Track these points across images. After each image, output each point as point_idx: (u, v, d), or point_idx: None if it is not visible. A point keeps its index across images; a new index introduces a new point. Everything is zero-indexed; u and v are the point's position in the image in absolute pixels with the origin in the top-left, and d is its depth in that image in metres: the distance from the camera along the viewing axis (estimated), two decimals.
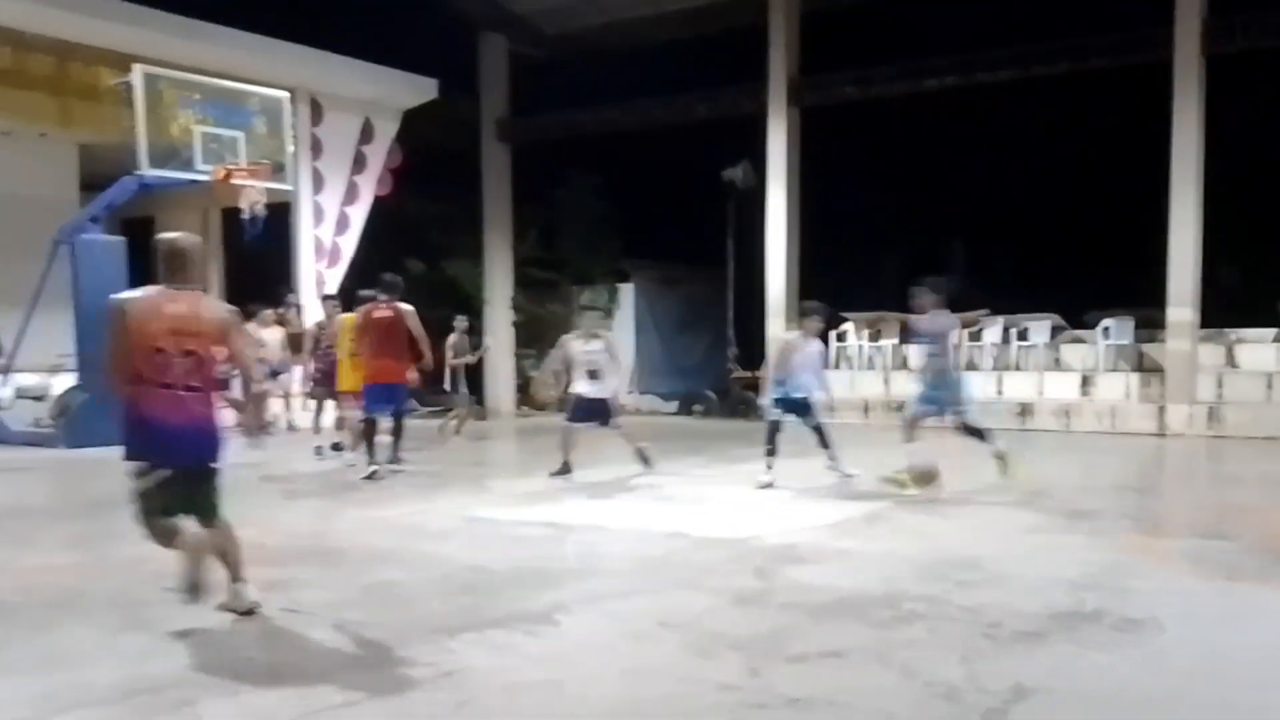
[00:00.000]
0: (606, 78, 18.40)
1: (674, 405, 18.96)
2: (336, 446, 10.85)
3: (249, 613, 4.72)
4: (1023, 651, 4.20)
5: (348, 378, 10.27)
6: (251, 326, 13.48)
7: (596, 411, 9.43)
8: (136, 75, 11.85)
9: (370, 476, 9.20)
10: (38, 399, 12.96)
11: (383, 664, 4.10)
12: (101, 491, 8.79)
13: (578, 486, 9.02)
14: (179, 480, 4.56)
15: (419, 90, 16.68)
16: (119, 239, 12.72)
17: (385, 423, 9.79)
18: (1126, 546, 6.26)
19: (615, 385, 9.67)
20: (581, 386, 9.42)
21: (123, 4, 13.10)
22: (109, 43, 13.23)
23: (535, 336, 18.92)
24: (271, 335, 12.36)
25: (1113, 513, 7.68)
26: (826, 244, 17.47)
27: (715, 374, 18.75)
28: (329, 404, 11.37)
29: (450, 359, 12.67)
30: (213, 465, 4.68)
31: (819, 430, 9.22)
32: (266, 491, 8.92)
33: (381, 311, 9.53)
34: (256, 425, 5.34)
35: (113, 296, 4.62)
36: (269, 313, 12.34)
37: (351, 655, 4.24)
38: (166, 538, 4.63)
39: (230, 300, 13.30)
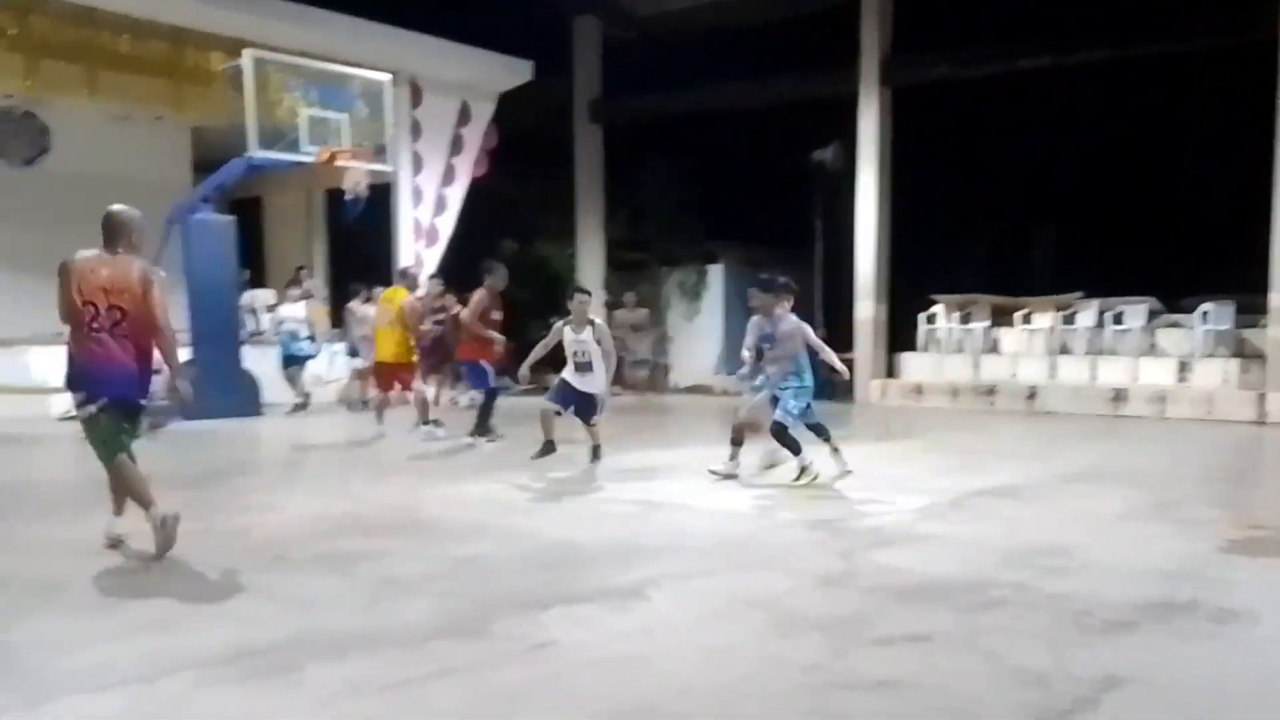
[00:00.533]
0: (697, 59, 18.42)
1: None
2: (436, 422, 11.07)
3: (113, 546, 5.40)
4: (1114, 641, 4.14)
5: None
6: (354, 304, 14.02)
7: (582, 404, 8.81)
8: (246, 60, 12.25)
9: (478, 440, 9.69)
10: (154, 373, 13.48)
11: (475, 635, 4.20)
12: (210, 462, 9.27)
13: (662, 465, 9.13)
14: (108, 410, 5.40)
15: (514, 73, 16.88)
16: (229, 218, 13.23)
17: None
18: (1221, 537, 6.11)
19: (604, 381, 8.86)
20: (568, 374, 8.80)
21: None
22: (221, 28, 13.63)
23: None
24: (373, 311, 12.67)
25: (1208, 502, 7.52)
26: (916, 225, 17.31)
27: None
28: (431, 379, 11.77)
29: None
30: (132, 400, 5.51)
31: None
32: (363, 465, 9.31)
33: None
34: (176, 386, 5.69)
35: (63, 258, 5.38)
36: (377, 290, 12.67)
37: (445, 626, 4.32)
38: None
39: (333, 277, 13.83)
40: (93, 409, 5.40)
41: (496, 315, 10.32)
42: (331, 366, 14.60)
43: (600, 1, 19.25)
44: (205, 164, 14.77)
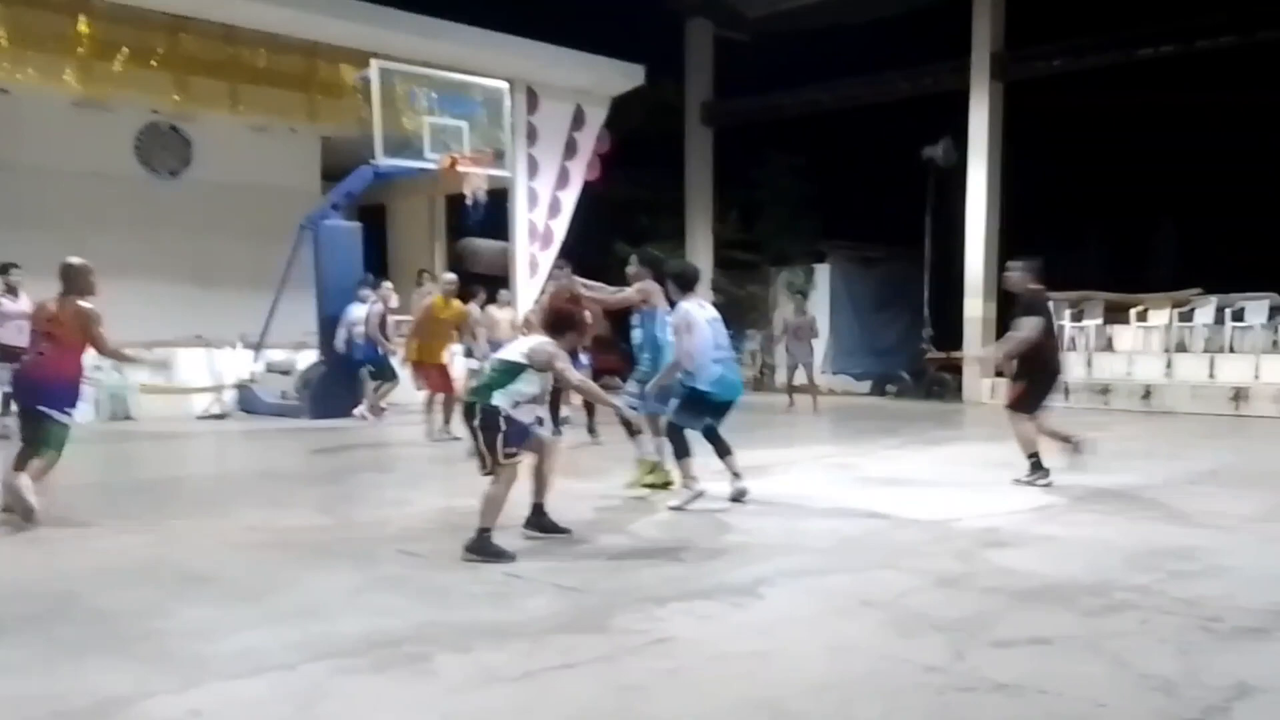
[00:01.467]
0: (807, 58, 18.46)
1: (867, 385, 18.93)
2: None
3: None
4: (1246, 647, 3.99)
5: None
6: (472, 306, 14.40)
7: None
8: (373, 70, 12.77)
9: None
10: (285, 373, 13.84)
11: (597, 629, 4.24)
12: (341, 459, 9.70)
13: (774, 464, 9.18)
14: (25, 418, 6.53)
15: (627, 77, 17.15)
16: (356, 224, 13.78)
17: None
18: None
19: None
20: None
21: (363, 4, 14.04)
22: (350, 41, 14.20)
23: (735, 318, 19.26)
24: (503, 315, 12.95)
25: None
26: (1028, 221, 16.98)
27: (910, 355, 18.60)
28: None
29: None
30: (43, 411, 6.47)
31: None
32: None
33: None
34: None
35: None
36: (504, 293, 12.92)
37: (568, 619, 4.39)
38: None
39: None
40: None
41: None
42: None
43: (712, 4, 19.41)
44: (334, 172, 15.40)
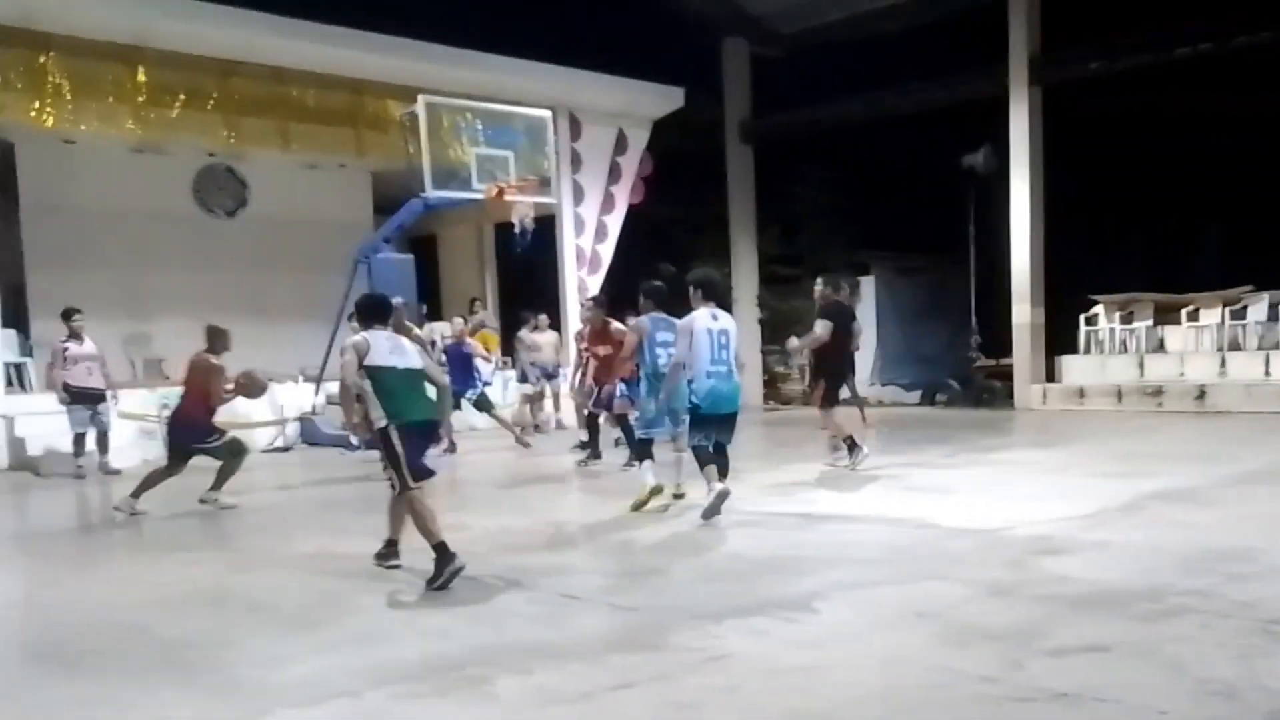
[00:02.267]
0: (843, 71, 18.54)
1: (916, 395, 18.87)
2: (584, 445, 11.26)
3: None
4: None
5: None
6: (524, 332, 14.62)
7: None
8: (420, 105, 12.85)
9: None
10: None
11: (654, 647, 4.27)
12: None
13: (827, 476, 9.24)
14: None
15: (667, 99, 17.32)
16: (408, 256, 13.96)
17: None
18: None
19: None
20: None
21: (407, 41, 14.36)
22: (396, 77, 14.52)
23: (779, 333, 19.30)
24: (545, 339, 13.10)
25: None
26: (1072, 225, 16.90)
27: (957, 362, 18.53)
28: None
29: None
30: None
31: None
32: (537, 485, 9.73)
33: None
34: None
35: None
36: (543, 317, 13.04)
37: (625, 639, 4.43)
38: None
39: (502, 307, 14.51)
40: None
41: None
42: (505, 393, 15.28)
43: (747, 22, 19.54)
44: (385, 205, 15.67)
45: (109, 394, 11.67)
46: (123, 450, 12.06)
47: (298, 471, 11.96)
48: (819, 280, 10.06)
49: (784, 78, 19.55)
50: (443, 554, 5.48)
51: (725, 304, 8.59)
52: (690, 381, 7.17)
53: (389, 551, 6.04)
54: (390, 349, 5.90)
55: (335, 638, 4.65)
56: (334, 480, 10.72)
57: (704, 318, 7.25)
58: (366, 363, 5.81)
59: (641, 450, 7.97)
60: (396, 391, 5.78)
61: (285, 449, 13.58)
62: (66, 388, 11.22)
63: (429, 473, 5.90)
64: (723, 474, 7.24)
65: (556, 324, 14.12)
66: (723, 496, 7.08)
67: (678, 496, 7.85)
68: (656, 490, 7.66)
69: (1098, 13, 16.54)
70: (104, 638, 4.89)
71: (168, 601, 5.50)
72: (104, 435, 11.56)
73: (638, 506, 7.61)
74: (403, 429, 5.67)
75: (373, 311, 6.21)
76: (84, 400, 11.33)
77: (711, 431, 7.30)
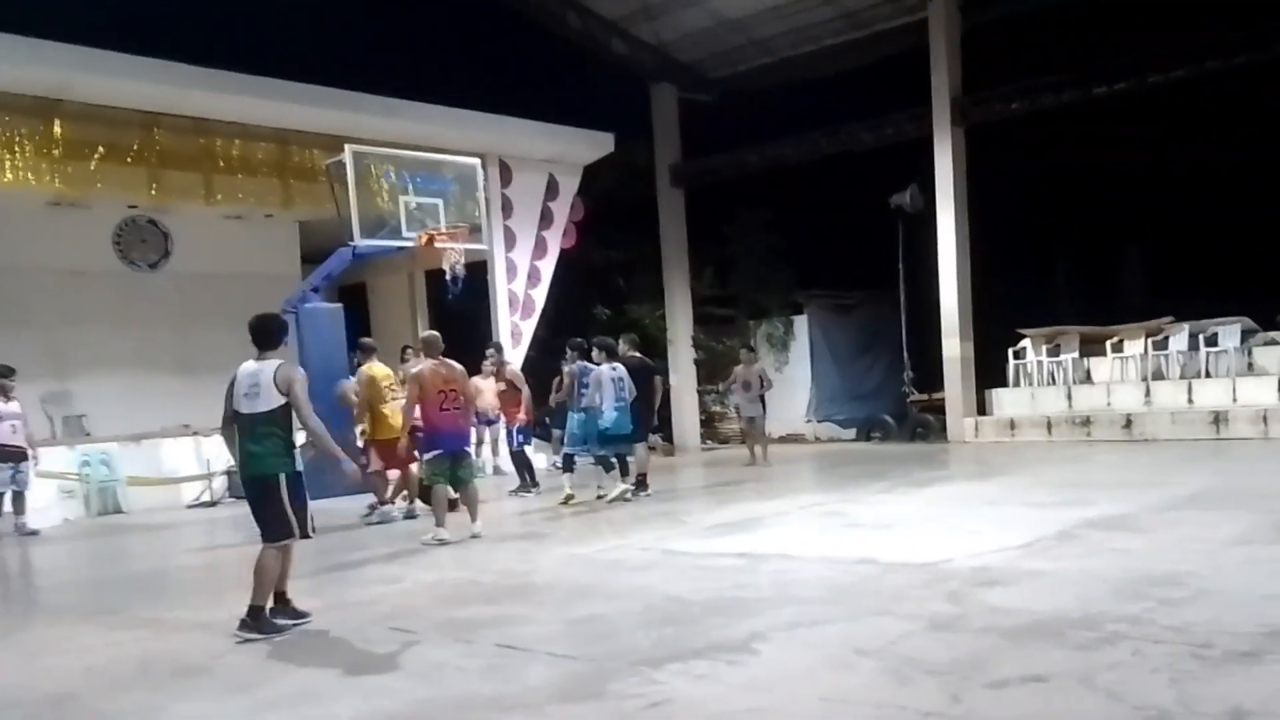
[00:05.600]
0: (772, 115, 18.86)
1: (852, 432, 19.05)
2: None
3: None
4: (1238, 672, 4.01)
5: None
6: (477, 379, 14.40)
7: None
8: (347, 154, 12.83)
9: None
10: None
11: (595, 696, 4.23)
12: (329, 540, 9.64)
13: (760, 516, 9.24)
14: None
15: (597, 145, 17.40)
16: (337, 305, 13.82)
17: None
18: None
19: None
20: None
21: (334, 90, 14.25)
22: (323, 126, 14.39)
23: (715, 372, 19.40)
24: (487, 385, 13.00)
25: None
26: (1000, 260, 17.27)
27: (892, 398, 18.74)
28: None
29: None
30: None
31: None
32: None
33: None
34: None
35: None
36: (487, 364, 12.97)
37: (565, 688, 4.37)
38: None
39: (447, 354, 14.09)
40: None
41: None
42: None
43: (676, 68, 19.81)
44: (314, 255, 15.51)
45: (29, 453, 11.32)
46: (44, 510, 11.74)
47: (226, 527, 11.65)
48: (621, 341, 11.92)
49: (714, 122, 19.83)
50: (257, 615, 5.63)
51: (616, 357, 11.10)
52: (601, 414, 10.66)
53: (277, 610, 5.87)
54: (248, 386, 5.79)
55: (270, 699, 4.53)
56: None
57: (607, 370, 10.76)
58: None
59: (565, 463, 11.27)
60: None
61: (212, 503, 13.25)
62: None
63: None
64: (624, 474, 11.02)
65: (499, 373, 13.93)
66: (624, 492, 10.80)
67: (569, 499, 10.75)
68: (570, 496, 10.84)
69: (1017, 54, 17.05)
70: (28, 709, 4.68)
71: (93, 670, 5.29)
72: (20, 496, 11.26)
73: (565, 501, 10.77)
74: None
75: (256, 334, 5.98)
76: (6, 459, 11.02)
77: (613, 447, 10.93)
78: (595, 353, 10.98)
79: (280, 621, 5.78)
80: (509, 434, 12.79)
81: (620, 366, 10.88)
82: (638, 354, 11.93)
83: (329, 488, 12.34)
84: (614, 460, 10.99)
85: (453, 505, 9.23)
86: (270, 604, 5.81)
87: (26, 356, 13.30)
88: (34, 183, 12.74)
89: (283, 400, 5.76)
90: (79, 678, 5.16)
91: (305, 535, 5.87)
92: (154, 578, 8.25)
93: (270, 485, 5.77)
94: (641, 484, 11.26)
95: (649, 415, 11.90)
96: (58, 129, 12.70)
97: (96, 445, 12.97)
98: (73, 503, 12.61)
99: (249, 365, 5.89)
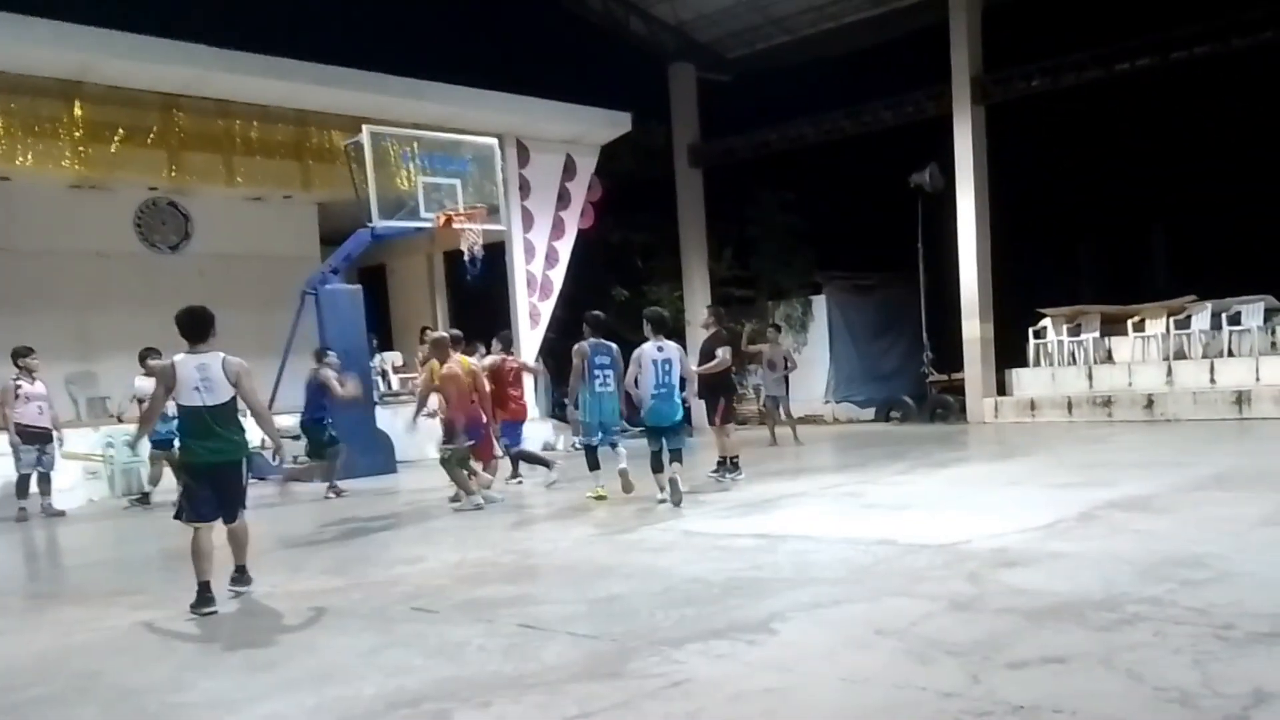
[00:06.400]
0: (791, 94, 18.75)
1: (871, 413, 19.00)
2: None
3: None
4: (1261, 653, 3.98)
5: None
6: (474, 359, 14.43)
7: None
8: (365, 135, 12.88)
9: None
10: (294, 438, 13.84)
11: (614, 675, 4.24)
12: (352, 520, 9.67)
13: (781, 496, 9.25)
14: None
15: (615, 124, 17.36)
16: (356, 287, 13.89)
17: None
18: None
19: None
20: None
21: (352, 71, 14.26)
22: (341, 108, 14.43)
23: (734, 354, 19.34)
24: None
25: None
26: (1020, 240, 17.15)
27: (911, 379, 18.67)
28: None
29: None
30: None
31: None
32: (501, 514, 9.66)
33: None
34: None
35: None
36: (493, 344, 12.95)
37: (585, 667, 4.38)
38: None
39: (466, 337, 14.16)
40: None
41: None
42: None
43: (694, 48, 19.70)
44: (332, 237, 15.58)
45: (55, 434, 11.42)
46: (69, 491, 11.84)
47: (249, 507, 11.73)
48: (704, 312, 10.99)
49: (732, 101, 19.75)
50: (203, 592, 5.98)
51: (671, 335, 9.66)
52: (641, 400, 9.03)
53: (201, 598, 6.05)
54: (198, 379, 6.04)
55: (291, 677, 4.56)
56: (287, 513, 10.54)
57: (651, 350, 8.99)
58: (173, 398, 6.10)
59: (590, 460, 9.70)
60: (187, 430, 6.14)
61: None
62: (18, 427, 11.05)
63: (209, 517, 6.21)
64: (676, 460, 9.02)
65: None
66: (675, 486, 8.84)
67: (600, 498, 9.44)
68: (602, 496, 9.48)
69: (1038, 32, 16.90)
70: (54, 686, 4.73)
71: (118, 647, 5.37)
72: (46, 477, 11.35)
73: (597, 498, 9.49)
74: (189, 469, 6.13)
75: (189, 327, 6.24)
76: (33, 440, 11.12)
77: (660, 439, 9.04)
78: (645, 326, 9.25)
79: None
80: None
81: (668, 345, 9.16)
82: (722, 328, 10.98)
83: (362, 468, 12.50)
84: (665, 457, 9.02)
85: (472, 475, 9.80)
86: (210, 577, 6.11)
87: (51, 339, 13.46)
88: (56, 165, 12.80)
89: (233, 392, 6.16)
90: (106, 655, 5.22)
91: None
92: (177, 557, 8.24)
93: (239, 469, 6.28)
94: (733, 466, 10.35)
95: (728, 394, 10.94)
96: (78, 111, 12.76)
97: (120, 426, 13.06)
98: (98, 484, 12.72)
99: (189, 359, 6.15)
